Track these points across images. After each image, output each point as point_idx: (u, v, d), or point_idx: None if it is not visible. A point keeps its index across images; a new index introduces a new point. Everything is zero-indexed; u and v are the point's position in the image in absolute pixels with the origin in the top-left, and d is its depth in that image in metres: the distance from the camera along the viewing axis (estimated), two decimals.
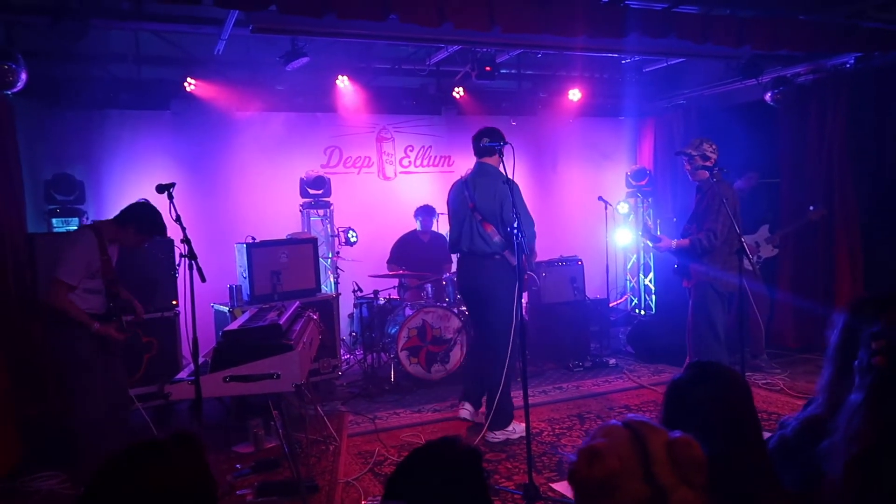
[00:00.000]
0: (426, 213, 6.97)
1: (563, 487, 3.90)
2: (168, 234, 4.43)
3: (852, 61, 6.33)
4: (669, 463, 1.14)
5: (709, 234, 4.66)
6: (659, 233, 5.94)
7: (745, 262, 4.33)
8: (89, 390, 3.95)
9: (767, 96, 6.89)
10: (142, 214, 4.10)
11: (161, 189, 3.67)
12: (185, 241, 3.61)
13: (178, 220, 3.65)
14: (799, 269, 6.75)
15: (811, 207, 6.21)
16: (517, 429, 4.64)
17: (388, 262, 6.95)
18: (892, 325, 1.55)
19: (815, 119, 6.62)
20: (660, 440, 1.17)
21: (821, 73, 6.63)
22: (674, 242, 4.89)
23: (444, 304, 6.24)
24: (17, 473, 4.31)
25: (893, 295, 2.01)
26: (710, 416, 1.60)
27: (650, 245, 5.42)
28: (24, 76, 5.03)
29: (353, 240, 6.94)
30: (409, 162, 7.94)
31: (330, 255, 7.05)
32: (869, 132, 6.30)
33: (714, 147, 4.79)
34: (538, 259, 5.94)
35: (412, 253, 6.89)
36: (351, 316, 7.11)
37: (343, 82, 6.87)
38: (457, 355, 6.15)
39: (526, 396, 3.79)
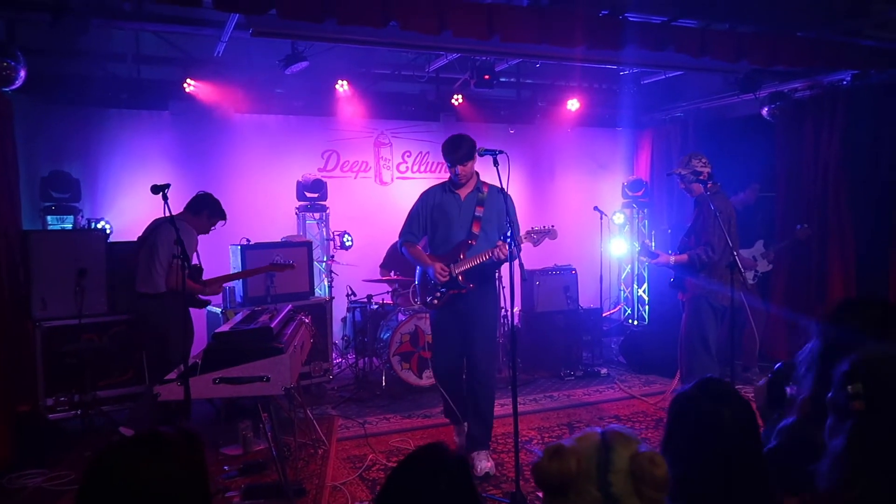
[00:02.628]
0: None
1: None
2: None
3: (849, 78, 6.38)
4: (628, 473, 1.16)
5: (706, 249, 4.66)
6: (654, 246, 5.94)
7: (742, 275, 4.35)
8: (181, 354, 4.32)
9: (764, 111, 6.92)
10: (213, 201, 4.90)
11: (156, 190, 3.69)
12: (178, 242, 3.62)
13: (171, 220, 3.66)
14: (792, 284, 6.78)
15: (798, 226, 6.25)
16: None
17: (381, 266, 6.93)
18: (864, 361, 1.51)
19: (811, 134, 6.66)
20: (626, 451, 1.19)
21: (818, 90, 6.67)
22: (672, 258, 4.88)
23: None
24: (3, 471, 4.30)
25: (868, 302, 2.00)
26: (709, 435, 1.56)
27: (648, 262, 5.40)
28: (23, 73, 5.04)
29: (348, 244, 6.96)
30: (407, 168, 7.96)
31: (325, 259, 7.05)
32: (864, 149, 6.33)
33: (704, 160, 4.79)
34: (530, 268, 5.93)
35: (403, 260, 6.87)
36: (344, 320, 7.10)
37: (342, 87, 6.90)
38: None
39: (515, 404, 3.79)
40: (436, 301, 4.41)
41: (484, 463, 4.26)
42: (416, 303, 5.69)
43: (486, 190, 4.41)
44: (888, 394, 1.47)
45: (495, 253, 4.17)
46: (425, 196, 4.54)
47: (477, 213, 4.37)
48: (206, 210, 4.87)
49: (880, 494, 1.41)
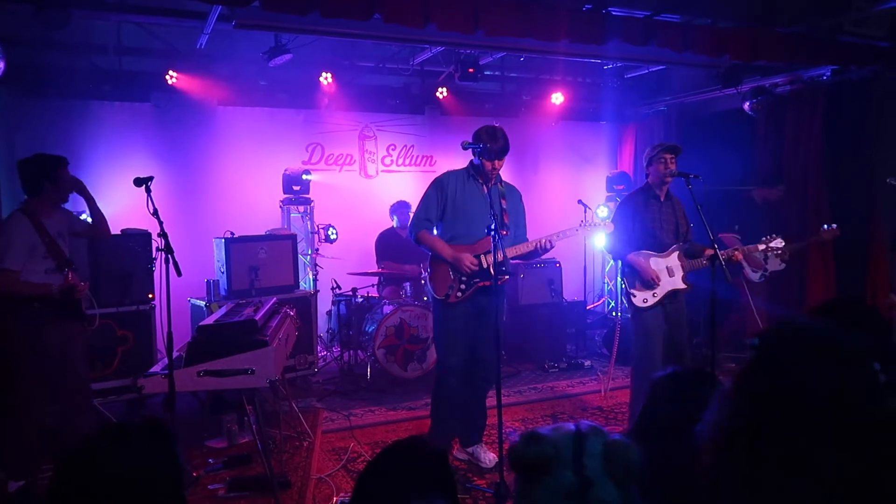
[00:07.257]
0: (402, 208, 6.89)
1: None
2: (146, 228, 4.39)
3: (829, 73, 6.46)
4: (601, 456, 1.22)
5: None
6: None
7: (723, 266, 4.43)
8: (45, 380, 3.93)
9: (746, 105, 7.00)
10: (36, 169, 3.96)
11: (139, 182, 3.66)
12: (162, 234, 3.61)
13: (155, 213, 3.65)
14: (772, 278, 6.85)
15: (824, 226, 5.64)
16: None
17: (378, 261, 6.91)
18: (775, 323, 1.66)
19: (792, 129, 6.75)
20: (600, 438, 1.25)
21: (798, 84, 6.75)
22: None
23: (423, 303, 6.26)
24: None
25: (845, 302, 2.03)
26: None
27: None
28: (2, 65, 4.98)
29: (332, 237, 6.94)
30: (392, 161, 7.96)
31: (309, 252, 7.04)
32: (844, 143, 6.42)
33: None
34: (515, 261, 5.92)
35: (392, 250, 6.88)
36: (329, 313, 7.11)
37: (326, 79, 6.88)
38: (433, 354, 6.17)
39: (499, 396, 3.83)
40: (459, 294, 4.12)
41: (490, 455, 4.36)
42: (422, 298, 5.60)
43: (502, 184, 4.33)
44: (775, 346, 1.60)
45: (528, 247, 4.18)
46: (444, 181, 4.24)
47: (504, 206, 4.24)
48: (45, 181, 3.93)
49: (759, 434, 1.50)
